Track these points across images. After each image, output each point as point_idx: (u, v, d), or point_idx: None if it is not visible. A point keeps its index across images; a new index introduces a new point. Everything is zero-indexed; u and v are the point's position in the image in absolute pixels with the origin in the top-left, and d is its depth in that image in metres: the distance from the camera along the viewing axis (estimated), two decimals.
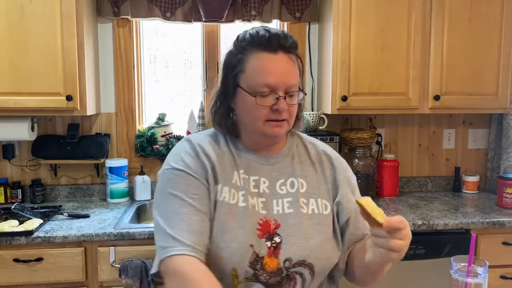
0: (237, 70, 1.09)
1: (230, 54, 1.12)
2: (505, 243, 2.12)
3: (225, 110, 1.14)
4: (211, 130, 1.20)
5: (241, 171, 1.12)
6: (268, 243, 1.07)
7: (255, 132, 1.11)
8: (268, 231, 1.08)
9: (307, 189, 1.15)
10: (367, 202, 0.95)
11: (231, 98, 1.12)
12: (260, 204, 1.10)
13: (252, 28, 1.11)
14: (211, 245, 1.05)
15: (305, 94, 1.14)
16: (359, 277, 1.14)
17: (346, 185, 1.18)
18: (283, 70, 1.06)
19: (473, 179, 2.65)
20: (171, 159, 1.12)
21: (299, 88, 1.11)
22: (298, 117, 1.17)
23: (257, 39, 1.07)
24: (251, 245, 1.05)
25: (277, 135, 1.10)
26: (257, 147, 1.15)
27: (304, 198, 1.13)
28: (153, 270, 1.04)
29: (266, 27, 1.11)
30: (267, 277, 1.06)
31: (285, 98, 1.06)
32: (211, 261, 1.05)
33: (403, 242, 0.93)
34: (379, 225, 0.92)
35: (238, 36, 1.12)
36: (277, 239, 1.07)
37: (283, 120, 1.08)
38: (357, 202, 0.96)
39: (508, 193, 2.29)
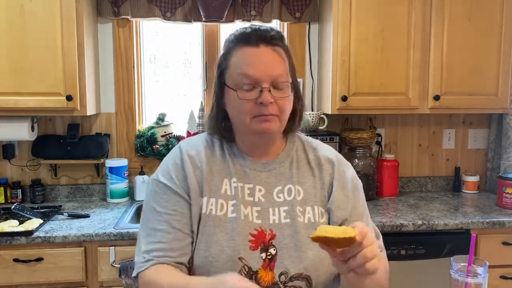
0: (222, 69, 1.08)
1: (219, 57, 1.11)
2: (505, 243, 2.12)
3: (220, 114, 1.10)
4: (207, 134, 1.16)
5: (234, 179, 1.08)
6: (263, 255, 1.03)
7: (245, 131, 1.07)
8: (263, 241, 1.03)
9: (303, 196, 1.09)
10: (324, 229, 0.84)
11: (222, 99, 1.09)
12: (254, 213, 1.06)
13: (239, 28, 1.10)
14: (200, 260, 1.03)
15: (291, 82, 1.06)
16: None
17: (340, 190, 1.11)
18: (265, 61, 1.02)
19: (473, 179, 2.66)
20: (160, 168, 1.12)
21: (293, 82, 1.06)
22: (295, 116, 1.12)
23: (239, 36, 1.06)
24: (240, 258, 1.01)
25: (266, 131, 1.04)
26: (252, 150, 1.11)
27: (300, 206, 1.08)
28: (134, 273, 1.08)
29: (254, 25, 1.09)
30: None
31: (269, 90, 1.01)
32: (202, 275, 1.02)
33: (373, 245, 0.85)
34: (352, 241, 0.83)
35: (226, 38, 1.11)
36: (272, 251, 1.03)
37: (272, 116, 1.02)
38: (313, 238, 0.85)
39: (508, 193, 2.29)
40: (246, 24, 2.43)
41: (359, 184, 1.16)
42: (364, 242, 0.83)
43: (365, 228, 0.84)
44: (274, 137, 1.10)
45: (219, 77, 1.08)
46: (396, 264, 2.06)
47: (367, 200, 2.50)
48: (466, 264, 0.95)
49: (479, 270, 0.95)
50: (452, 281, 0.97)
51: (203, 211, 1.06)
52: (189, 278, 1.00)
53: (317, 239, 0.84)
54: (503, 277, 2.12)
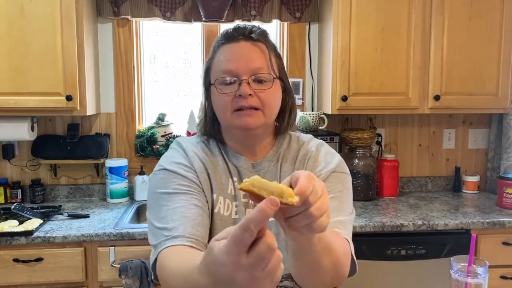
0: (207, 69, 1.09)
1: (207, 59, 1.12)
2: (505, 243, 2.12)
3: (210, 115, 1.10)
4: (201, 135, 1.15)
5: (235, 178, 1.08)
6: None
7: (229, 128, 1.06)
8: None
9: None
10: (257, 182, 0.65)
11: (210, 99, 1.09)
12: (248, 215, 1.04)
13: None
14: None
15: (276, 77, 1.04)
16: (296, 278, 0.92)
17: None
18: (244, 55, 1.03)
19: (473, 179, 2.65)
20: (163, 162, 1.07)
21: (278, 76, 1.05)
22: (284, 112, 1.10)
23: (223, 35, 1.07)
24: None
25: (248, 125, 1.01)
26: (242, 150, 1.09)
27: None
28: (152, 276, 0.98)
29: (238, 24, 1.09)
30: None
31: (248, 83, 1.00)
32: None
33: (322, 198, 0.68)
34: (290, 205, 0.65)
35: None
36: None
37: (253, 109, 1.01)
38: (242, 189, 0.66)
39: (508, 193, 2.29)
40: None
41: (341, 175, 1.07)
42: (310, 198, 0.65)
43: (309, 184, 0.65)
44: (261, 134, 1.08)
45: (205, 77, 1.09)
46: (396, 264, 2.07)
47: (367, 200, 2.48)
48: (466, 264, 0.95)
49: (479, 270, 0.95)
50: (452, 281, 0.97)
51: (215, 210, 1.04)
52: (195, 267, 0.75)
53: (246, 191, 0.66)
54: (503, 277, 2.12)
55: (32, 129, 2.34)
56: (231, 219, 1.04)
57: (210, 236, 1.00)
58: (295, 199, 0.63)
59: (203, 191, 1.03)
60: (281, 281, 1.02)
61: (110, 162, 2.42)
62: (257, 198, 0.66)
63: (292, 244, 0.79)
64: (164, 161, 1.07)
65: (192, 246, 0.90)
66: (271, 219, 1.02)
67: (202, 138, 1.14)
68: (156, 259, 0.93)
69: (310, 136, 1.17)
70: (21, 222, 2.01)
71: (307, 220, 0.67)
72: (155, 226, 0.97)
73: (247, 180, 0.65)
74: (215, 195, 1.05)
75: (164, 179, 1.02)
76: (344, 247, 0.92)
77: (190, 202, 0.98)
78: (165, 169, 1.04)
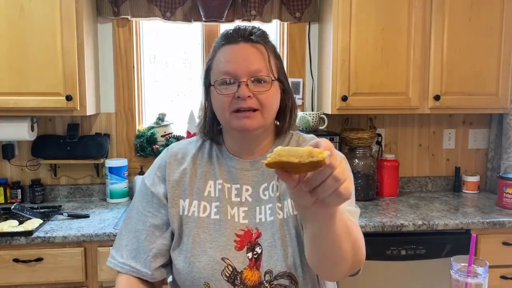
0: (207, 70, 1.10)
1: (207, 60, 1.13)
2: (505, 243, 2.12)
3: (209, 115, 1.12)
4: (199, 137, 1.17)
5: (219, 181, 1.09)
6: (250, 255, 1.04)
7: (227, 128, 1.08)
8: (249, 241, 1.05)
9: (282, 191, 1.07)
10: (283, 152, 0.64)
11: (209, 100, 1.10)
12: (241, 213, 1.07)
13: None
14: (184, 260, 1.05)
15: (275, 79, 1.05)
16: (319, 268, 0.93)
17: None
18: (242, 56, 1.03)
19: (473, 179, 2.65)
20: (150, 168, 1.17)
21: (277, 78, 1.06)
22: (285, 113, 1.11)
23: (223, 36, 1.08)
24: (223, 259, 1.03)
25: (247, 128, 1.02)
26: (241, 150, 1.11)
27: (279, 202, 1.07)
28: (108, 263, 1.18)
29: (238, 25, 1.10)
30: None
31: (247, 85, 1.01)
32: (185, 275, 1.04)
33: (342, 164, 0.68)
34: (319, 166, 0.64)
35: None
36: (258, 250, 1.04)
37: (251, 110, 1.01)
38: (268, 164, 0.65)
39: (508, 193, 2.29)
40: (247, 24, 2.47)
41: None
42: (333, 160, 0.64)
43: (331, 145, 0.66)
44: (260, 135, 1.09)
45: (205, 78, 1.10)
46: (396, 264, 2.07)
47: (367, 200, 2.50)
48: (467, 264, 0.95)
49: (480, 270, 0.95)
50: (452, 281, 0.97)
51: (185, 213, 1.08)
52: None
53: (273, 165, 0.65)
54: (503, 277, 2.12)
55: (32, 129, 2.34)
56: (210, 219, 1.07)
57: (186, 237, 1.07)
58: (326, 153, 0.63)
59: (167, 202, 1.10)
60: (277, 279, 1.03)
61: (110, 162, 2.42)
62: (286, 171, 0.66)
63: (313, 228, 0.79)
64: (151, 169, 1.17)
65: (126, 273, 1.16)
66: (270, 218, 1.05)
67: (198, 139, 1.16)
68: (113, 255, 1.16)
69: (312, 135, 1.18)
70: (21, 222, 2.01)
71: (334, 185, 0.66)
72: (121, 227, 1.16)
73: (270, 154, 0.65)
74: (186, 201, 1.09)
75: (141, 191, 1.15)
76: (359, 232, 0.93)
77: (146, 227, 1.10)
78: (144, 180, 1.15)
